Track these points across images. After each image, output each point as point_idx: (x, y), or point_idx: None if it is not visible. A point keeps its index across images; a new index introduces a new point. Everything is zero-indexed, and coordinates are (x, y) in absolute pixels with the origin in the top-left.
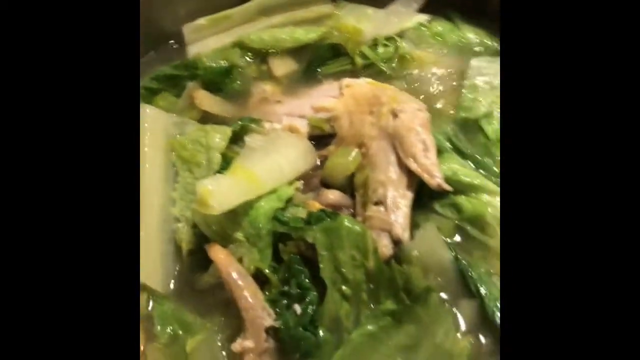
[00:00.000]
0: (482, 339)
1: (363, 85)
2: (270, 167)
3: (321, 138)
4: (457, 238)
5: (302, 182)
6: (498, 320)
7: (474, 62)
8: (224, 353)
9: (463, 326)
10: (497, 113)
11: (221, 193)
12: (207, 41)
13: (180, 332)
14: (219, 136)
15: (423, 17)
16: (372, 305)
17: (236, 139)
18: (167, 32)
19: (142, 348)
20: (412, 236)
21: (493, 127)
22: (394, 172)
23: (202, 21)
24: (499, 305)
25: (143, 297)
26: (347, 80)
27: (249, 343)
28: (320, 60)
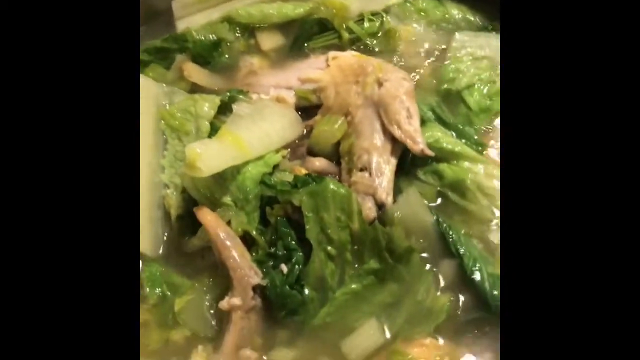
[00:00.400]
0: (461, 296)
1: (349, 57)
2: (257, 134)
3: (308, 109)
4: (439, 202)
5: (289, 150)
6: (477, 278)
7: (458, 36)
8: (211, 312)
9: (442, 284)
10: (478, 85)
11: (209, 156)
12: (195, 16)
13: (169, 293)
14: (207, 105)
15: None
16: (356, 265)
17: (224, 109)
18: (158, 8)
19: None
20: (395, 200)
21: (474, 98)
22: (378, 139)
23: None
24: (477, 265)
25: None
26: (333, 53)
27: (236, 301)
28: (308, 34)
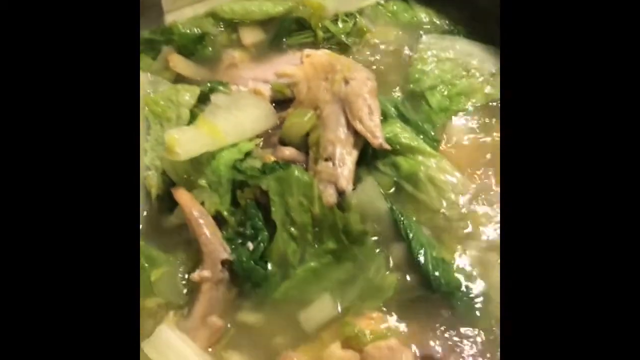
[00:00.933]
0: (407, 276)
1: (322, 55)
2: (232, 123)
3: (282, 102)
4: (394, 191)
5: (262, 139)
6: (422, 260)
7: (424, 38)
8: (183, 283)
9: (392, 264)
10: (440, 87)
11: (186, 142)
12: (183, 10)
13: (146, 265)
14: (188, 94)
15: None
16: (315, 245)
17: (205, 98)
18: (148, 2)
19: None
20: (354, 188)
21: (436, 98)
22: (342, 133)
23: None
24: (423, 249)
25: None
26: (307, 51)
27: (206, 273)
28: (286, 31)
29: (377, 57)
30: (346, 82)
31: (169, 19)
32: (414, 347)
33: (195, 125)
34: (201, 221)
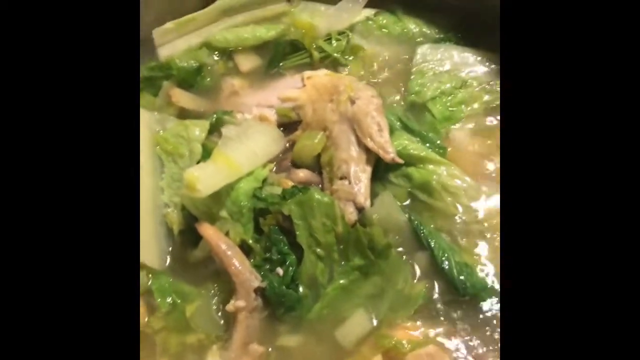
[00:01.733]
0: (435, 283)
1: (322, 76)
2: (245, 153)
3: (288, 125)
4: (410, 202)
5: (274, 164)
6: (446, 267)
7: (420, 50)
8: (219, 314)
9: (418, 273)
10: (440, 97)
11: (206, 178)
12: (175, 43)
13: (179, 301)
14: (198, 129)
15: (369, 12)
16: (342, 263)
17: (212, 130)
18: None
19: (145, 319)
20: (372, 203)
21: (438, 109)
22: (354, 151)
23: (169, 25)
24: (446, 255)
25: (142, 274)
26: (307, 73)
27: (240, 303)
28: (281, 55)
29: (374, 71)
30: (352, 101)
31: (163, 52)
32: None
33: (212, 160)
34: (229, 252)
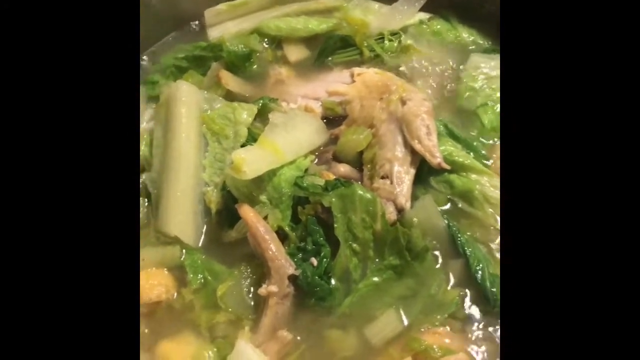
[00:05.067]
0: (467, 291)
1: (373, 74)
2: (290, 141)
3: (332, 119)
4: (448, 208)
5: (315, 155)
6: (479, 277)
7: (473, 57)
8: (250, 297)
9: (452, 281)
10: (491, 104)
11: (252, 161)
12: (226, 25)
13: (210, 279)
14: (246, 113)
15: (424, 16)
16: (377, 260)
17: (257, 115)
18: (188, 14)
19: (175, 294)
20: (412, 206)
21: (489, 117)
22: (399, 151)
23: (222, 7)
24: (480, 265)
25: (176, 249)
26: (358, 69)
27: (273, 288)
28: (331, 49)
29: (423, 76)
30: (403, 102)
31: (213, 33)
32: None
33: (259, 144)
34: (267, 237)
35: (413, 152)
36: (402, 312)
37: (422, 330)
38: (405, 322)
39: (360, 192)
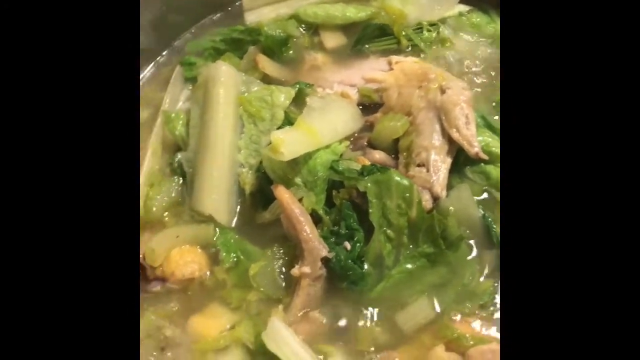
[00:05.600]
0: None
1: (411, 62)
2: (327, 125)
3: (367, 106)
4: (484, 199)
5: (350, 141)
6: None
7: None
8: (281, 277)
9: (486, 271)
10: None
11: (290, 142)
12: (263, 10)
13: (242, 258)
14: (283, 96)
15: (463, 8)
16: (410, 247)
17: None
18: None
19: (207, 272)
20: (447, 195)
21: None
22: (437, 140)
23: None
24: None
25: (210, 228)
26: (395, 57)
27: (306, 269)
28: (368, 37)
29: (462, 68)
30: (442, 90)
31: (250, 17)
32: None
33: (296, 127)
34: (302, 218)
35: (450, 141)
36: (434, 300)
37: (455, 318)
38: (438, 310)
39: (396, 178)
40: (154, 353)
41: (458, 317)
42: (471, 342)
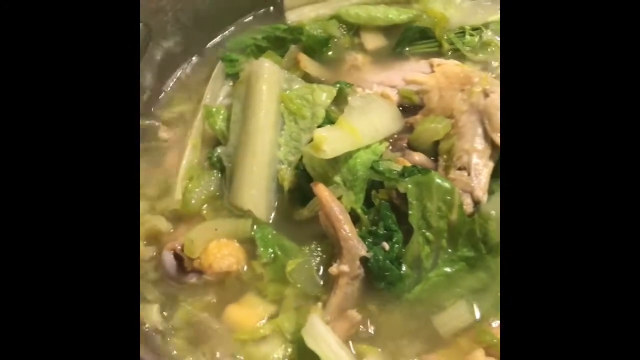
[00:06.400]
0: None
1: (453, 65)
2: (368, 125)
3: (407, 108)
4: None
5: (389, 142)
6: None
7: None
8: (319, 274)
9: None
10: None
11: (333, 141)
12: (304, 9)
13: (280, 254)
14: (325, 94)
15: None
16: (449, 251)
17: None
18: None
19: (244, 266)
20: (488, 199)
21: None
22: (479, 144)
23: None
24: None
25: (248, 222)
26: (437, 60)
27: (345, 267)
28: (409, 40)
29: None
30: (486, 94)
31: (290, 16)
32: None
33: (338, 125)
34: (341, 217)
35: (493, 145)
36: (473, 305)
37: (494, 324)
38: (476, 315)
39: (438, 180)
40: (190, 344)
41: (497, 323)
42: None
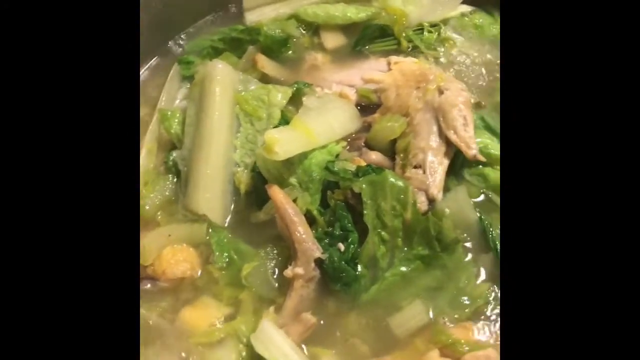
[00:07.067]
0: (496, 288)
1: (410, 63)
2: (324, 125)
3: (366, 106)
4: (481, 202)
5: (347, 142)
6: None
7: None
8: (275, 278)
9: (483, 275)
10: None
11: (285, 142)
12: (263, 9)
13: (236, 258)
14: (280, 95)
15: (466, 8)
16: (405, 249)
17: (291, 99)
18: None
19: (199, 271)
20: (443, 197)
21: None
22: (434, 141)
23: None
24: None
25: (203, 227)
26: (394, 58)
27: (299, 270)
28: (368, 38)
29: (462, 69)
30: (440, 91)
31: (250, 17)
32: None
33: (292, 126)
34: (295, 219)
35: (448, 142)
36: (428, 304)
37: (450, 324)
38: (432, 314)
39: (391, 179)
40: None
41: (453, 322)
42: (466, 348)
